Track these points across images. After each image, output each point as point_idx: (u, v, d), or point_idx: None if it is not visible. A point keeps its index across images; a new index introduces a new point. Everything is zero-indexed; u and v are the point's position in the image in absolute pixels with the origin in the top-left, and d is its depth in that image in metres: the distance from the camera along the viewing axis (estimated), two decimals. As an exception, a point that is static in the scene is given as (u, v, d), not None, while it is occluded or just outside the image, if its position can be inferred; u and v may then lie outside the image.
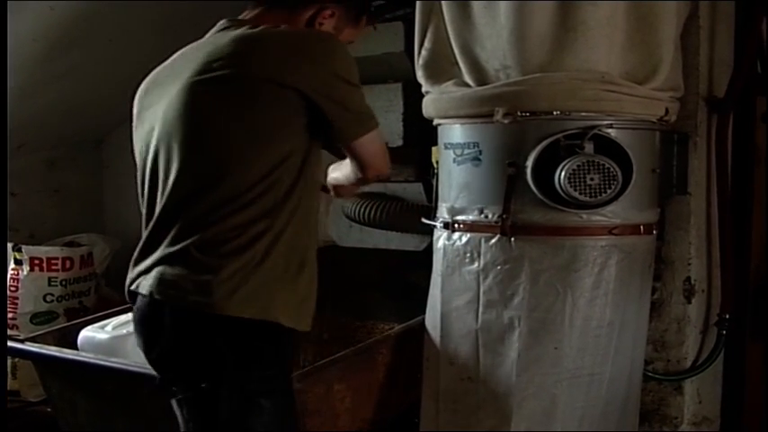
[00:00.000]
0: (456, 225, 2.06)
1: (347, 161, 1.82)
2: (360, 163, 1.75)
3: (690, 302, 2.26)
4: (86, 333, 2.21)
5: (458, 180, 2.07)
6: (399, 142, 2.68)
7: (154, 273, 1.60)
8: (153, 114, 1.68)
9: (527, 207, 1.94)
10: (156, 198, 1.65)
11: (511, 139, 1.95)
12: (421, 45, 2.18)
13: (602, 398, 2.02)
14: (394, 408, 2.23)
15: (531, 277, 1.94)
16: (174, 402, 1.64)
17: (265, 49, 1.58)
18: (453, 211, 2.08)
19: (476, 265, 2.02)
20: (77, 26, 2.81)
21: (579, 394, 1.99)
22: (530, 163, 1.90)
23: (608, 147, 1.88)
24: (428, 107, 2.18)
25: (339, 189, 2.06)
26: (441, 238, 2.12)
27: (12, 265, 3.24)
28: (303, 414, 1.92)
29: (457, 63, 2.07)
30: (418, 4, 2.18)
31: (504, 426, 1.99)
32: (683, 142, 2.20)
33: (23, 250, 3.24)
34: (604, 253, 1.95)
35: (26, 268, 3.23)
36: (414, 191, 2.74)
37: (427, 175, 2.49)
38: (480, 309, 2.02)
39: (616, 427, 2.07)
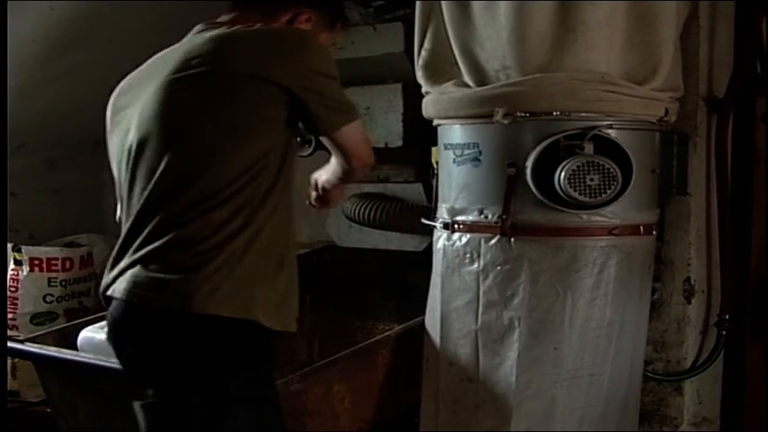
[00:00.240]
0: (456, 225, 2.06)
1: (332, 161, 1.85)
2: (345, 154, 1.76)
3: (690, 303, 2.26)
4: (86, 333, 2.21)
5: (458, 180, 2.07)
6: (399, 143, 2.67)
7: (128, 275, 1.57)
8: (129, 116, 1.67)
9: (527, 207, 1.94)
10: (133, 200, 1.63)
11: (511, 139, 1.95)
12: (421, 45, 2.18)
13: (601, 398, 2.02)
14: (394, 408, 2.23)
15: (531, 278, 1.94)
16: (136, 406, 1.60)
17: (245, 46, 1.59)
18: (453, 212, 2.08)
19: (476, 265, 2.02)
20: (77, 26, 2.81)
21: (579, 395, 1.99)
22: (530, 163, 1.90)
23: (608, 147, 1.89)
24: (428, 108, 2.18)
25: (327, 194, 2.02)
26: (440, 239, 2.12)
27: (12, 265, 3.25)
28: (303, 414, 1.92)
29: (457, 63, 2.07)
30: (418, 4, 2.18)
31: (503, 426, 1.99)
32: (682, 143, 2.20)
33: (23, 251, 3.24)
34: (604, 253, 1.95)
35: (26, 269, 3.24)
36: (414, 191, 2.73)
37: (427, 175, 2.50)
38: (480, 309, 2.02)
39: (616, 427, 2.07)
